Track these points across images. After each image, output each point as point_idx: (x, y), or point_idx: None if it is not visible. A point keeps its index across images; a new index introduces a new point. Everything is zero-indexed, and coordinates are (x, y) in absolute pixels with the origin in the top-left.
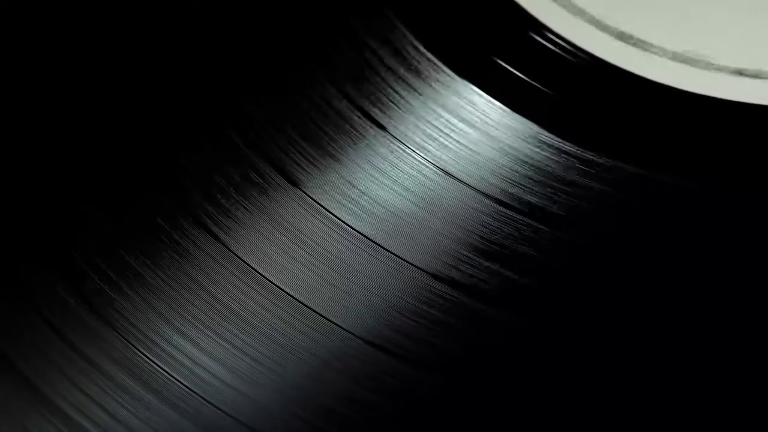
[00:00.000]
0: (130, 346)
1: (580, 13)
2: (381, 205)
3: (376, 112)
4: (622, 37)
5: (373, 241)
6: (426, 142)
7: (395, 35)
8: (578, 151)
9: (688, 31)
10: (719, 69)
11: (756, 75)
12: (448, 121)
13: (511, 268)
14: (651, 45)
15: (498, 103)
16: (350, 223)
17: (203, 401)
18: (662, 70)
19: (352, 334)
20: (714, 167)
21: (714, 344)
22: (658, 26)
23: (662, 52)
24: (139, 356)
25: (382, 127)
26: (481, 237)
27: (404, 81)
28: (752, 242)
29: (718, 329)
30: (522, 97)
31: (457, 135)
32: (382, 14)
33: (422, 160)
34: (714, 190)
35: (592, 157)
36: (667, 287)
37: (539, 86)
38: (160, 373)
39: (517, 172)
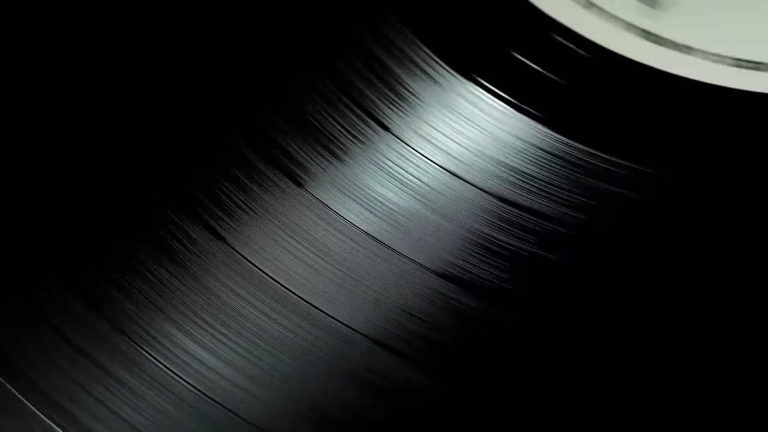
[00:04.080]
0: (135, 345)
1: (588, 6)
2: (385, 205)
3: (379, 112)
4: (630, 29)
5: (377, 240)
6: (430, 142)
7: (398, 35)
8: (583, 149)
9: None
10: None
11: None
12: (451, 120)
13: (516, 266)
14: (663, 39)
15: (501, 102)
16: (354, 223)
17: (208, 400)
18: (669, 62)
19: (357, 332)
20: (716, 165)
21: (714, 343)
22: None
23: (674, 46)
24: (144, 356)
25: (386, 128)
26: (485, 235)
27: (407, 81)
28: (755, 241)
29: (719, 327)
30: (526, 95)
31: (460, 134)
32: (385, 15)
33: (426, 160)
34: (716, 189)
35: (596, 154)
36: (675, 286)
37: (543, 84)
38: (165, 372)
39: (521, 170)
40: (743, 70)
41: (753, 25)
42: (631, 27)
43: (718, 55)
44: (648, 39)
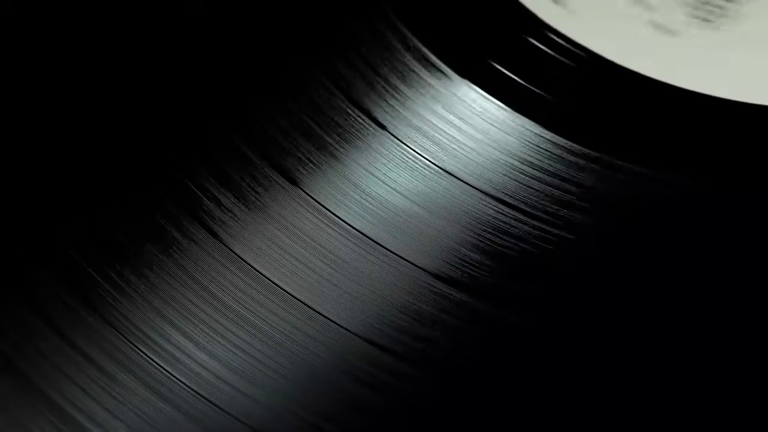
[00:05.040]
0: (131, 344)
1: (577, 11)
2: (380, 204)
3: (376, 111)
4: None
5: (373, 240)
6: (426, 141)
7: (395, 35)
8: (578, 150)
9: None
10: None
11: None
12: (448, 120)
13: (511, 266)
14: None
15: (498, 102)
16: (349, 222)
17: (203, 400)
18: (660, 68)
19: (352, 332)
20: (714, 166)
21: (714, 344)
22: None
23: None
24: (140, 355)
25: (382, 126)
26: (480, 236)
27: (404, 80)
28: (754, 242)
29: (719, 329)
30: (522, 95)
31: (457, 134)
32: (382, 14)
33: (422, 159)
34: (714, 189)
35: (592, 156)
36: (667, 286)
37: (539, 85)
38: (161, 371)
39: (517, 170)
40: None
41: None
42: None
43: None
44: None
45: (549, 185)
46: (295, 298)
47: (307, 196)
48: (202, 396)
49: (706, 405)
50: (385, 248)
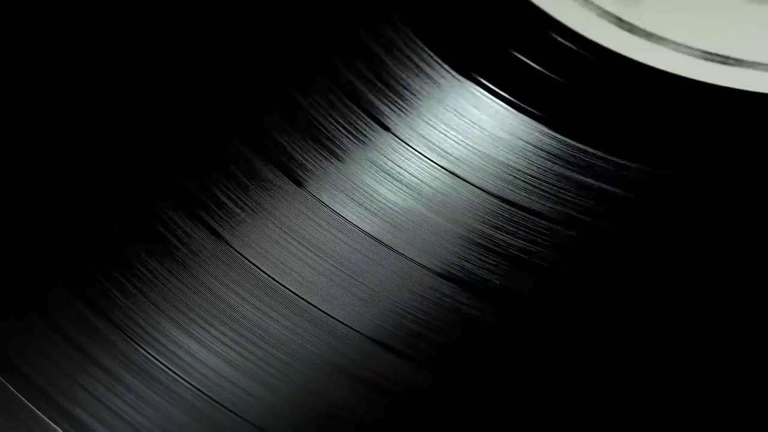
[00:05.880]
0: (136, 346)
1: (588, 6)
2: (385, 205)
3: (379, 112)
4: (633, 30)
5: (378, 241)
6: (430, 142)
7: (398, 35)
8: (582, 148)
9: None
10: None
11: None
12: (452, 120)
13: (517, 266)
14: (663, 39)
15: (502, 102)
16: (355, 223)
17: (209, 400)
18: (671, 62)
19: (358, 332)
20: (732, 164)
21: (714, 344)
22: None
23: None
24: (145, 356)
25: (386, 127)
26: (486, 236)
27: (408, 80)
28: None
29: (719, 329)
30: (525, 94)
31: (461, 134)
32: (385, 15)
33: (426, 160)
34: (731, 188)
35: (595, 153)
36: (678, 286)
37: (542, 85)
38: (166, 372)
39: (521, 170)
40: (711, 64)
41: (723, 19)
42: (621, 22)
43: (686, 46)
44: (639, 35)
45: (552, 184)
46: (301, 298)
47: (313, 198)
48: (209, 397)
49: (706, 405)
50: (391, 248)
